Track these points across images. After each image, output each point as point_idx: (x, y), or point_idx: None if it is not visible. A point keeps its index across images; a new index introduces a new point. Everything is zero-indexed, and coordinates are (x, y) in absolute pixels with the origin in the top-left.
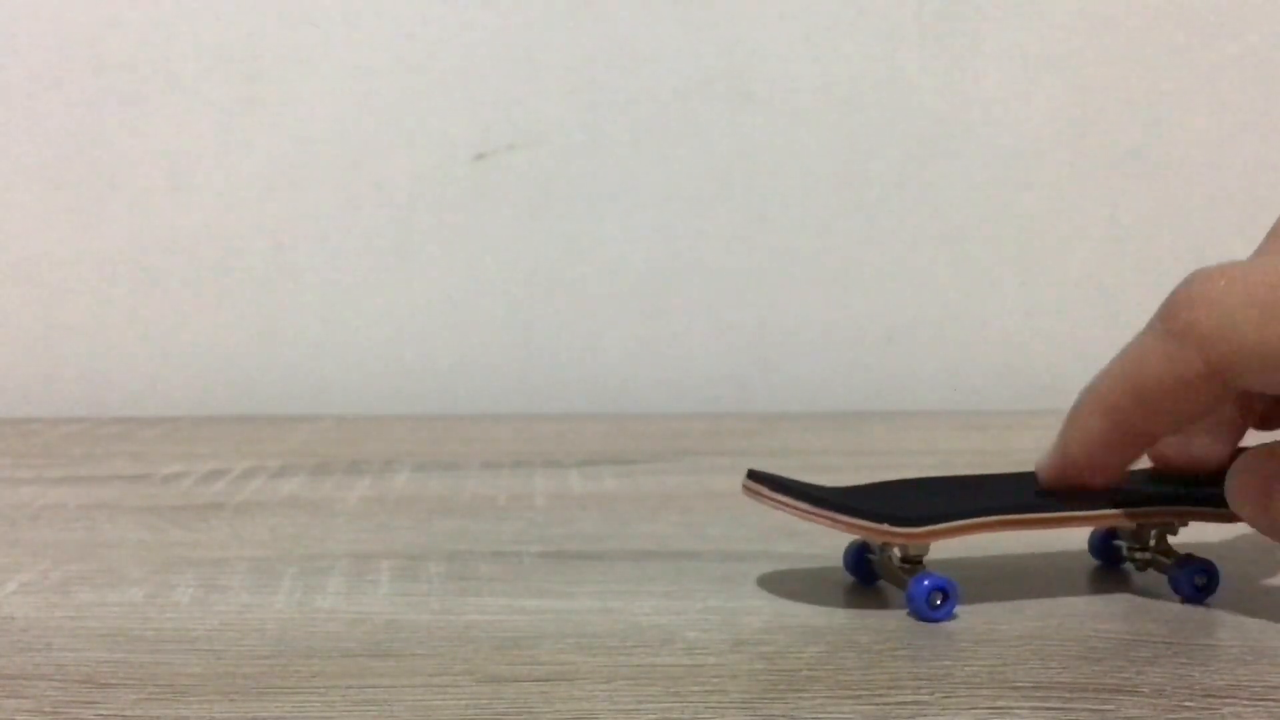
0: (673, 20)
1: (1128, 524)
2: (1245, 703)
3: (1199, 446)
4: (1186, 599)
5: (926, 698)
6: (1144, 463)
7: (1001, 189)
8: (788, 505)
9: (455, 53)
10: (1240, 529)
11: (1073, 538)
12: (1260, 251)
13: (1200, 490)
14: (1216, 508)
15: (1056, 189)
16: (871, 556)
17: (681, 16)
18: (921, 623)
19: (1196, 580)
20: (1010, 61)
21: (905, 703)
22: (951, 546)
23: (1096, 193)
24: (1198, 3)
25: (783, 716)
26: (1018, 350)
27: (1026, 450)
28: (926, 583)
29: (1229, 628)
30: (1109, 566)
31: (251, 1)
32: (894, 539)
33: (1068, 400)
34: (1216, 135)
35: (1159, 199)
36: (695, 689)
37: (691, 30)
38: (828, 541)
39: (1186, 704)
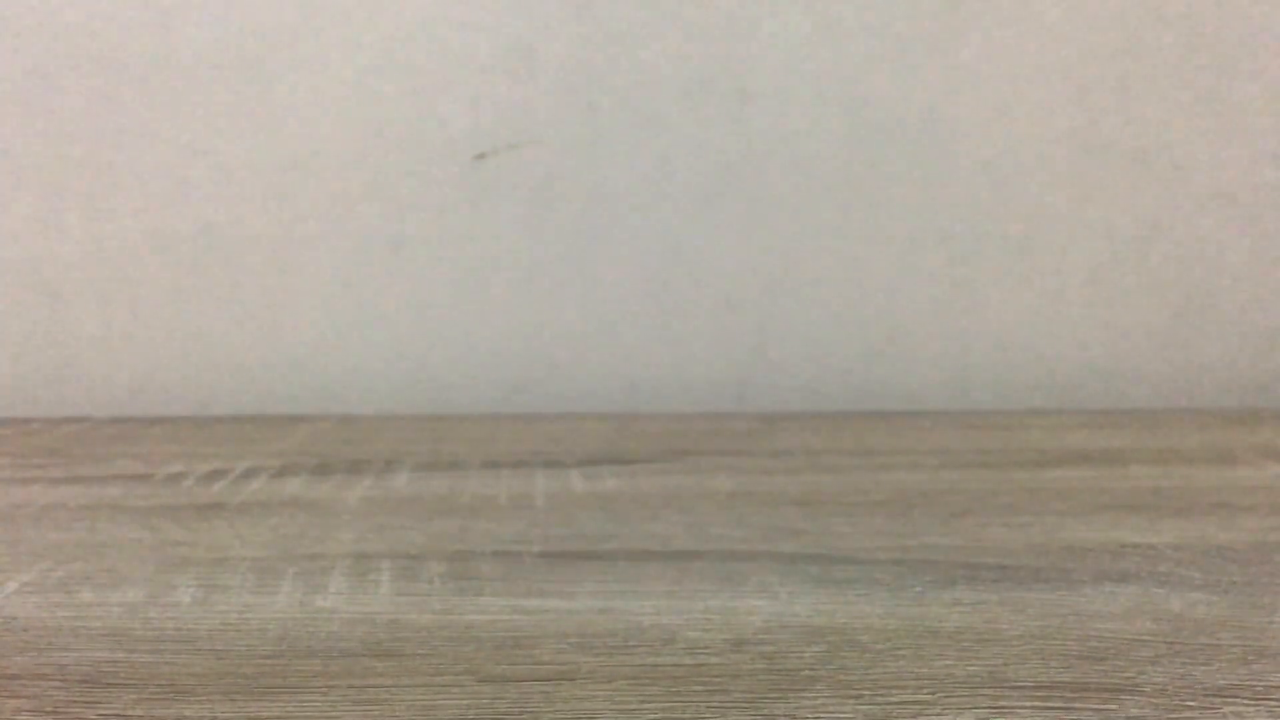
0: (672, 20)
1: None
2: (1246, 702)
3: None
4: None
5: (928, 697)
6: None
7: (1002, 189)
8: None
9: (455, 53)
10: (1242, 528)
11: (1074, 535)
12: None
13: None
14: None
15: (1057, 189)
16: None
17: (681, 16)
18: (923, 619)
19: None
20: (1011, 60)
21: (906, 702)
22: (949, 540)
23: (1097, 193)
24: (1199, 2)
25: (784, 716)
26: (1018, 350)
27: (1027, 450)
28: None
29: (1229, 628)
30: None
31: (252, 1)
32: None
33: (1067, 400)
34: (1216, 135)
35: (1159, 199)
36: (697, 689)
37: (691, 30)
38: (829, 542)
39: (1188, 703)
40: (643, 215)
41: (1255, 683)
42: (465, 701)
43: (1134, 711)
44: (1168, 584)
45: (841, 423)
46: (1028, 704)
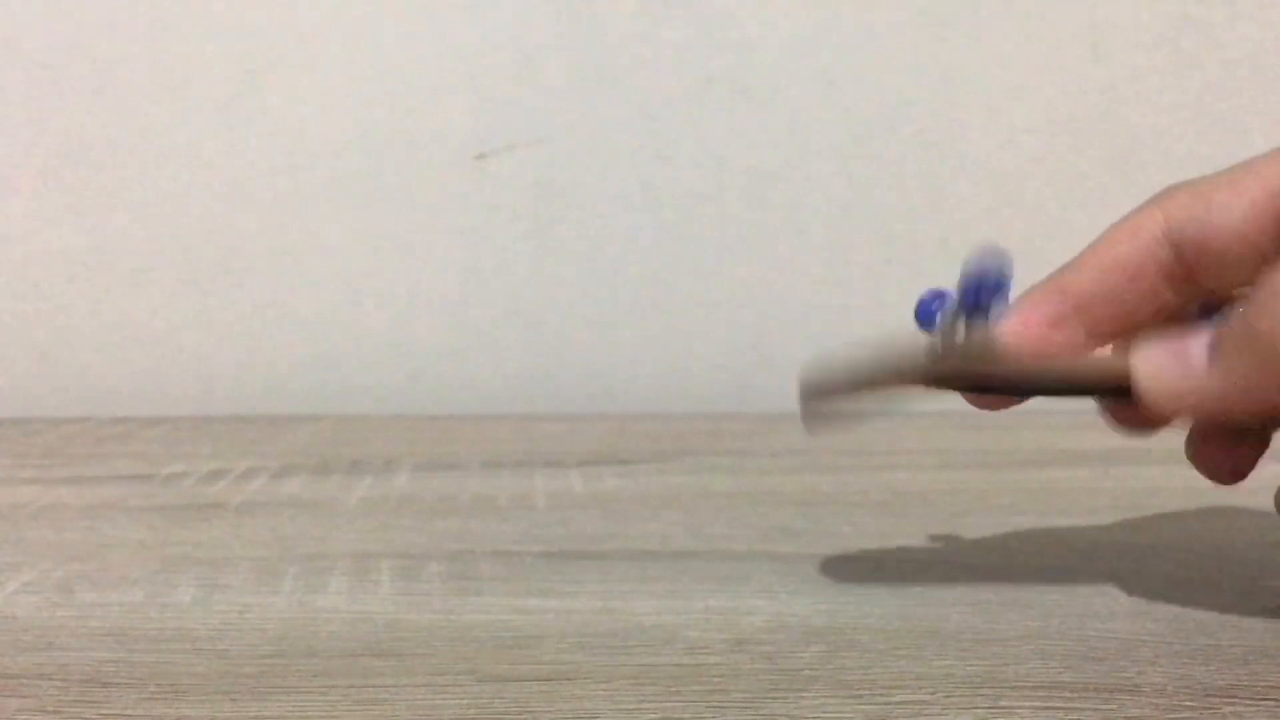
0: (672, 20)
1: None
2: (1246, 702)
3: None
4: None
5: (927, 697)
6: None
7: (1001, 188)
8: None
9: (455, 53)
10: (1242, 528)
11: (1074, 535)
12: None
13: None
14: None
15: (1056, 189)
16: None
17: (681, 16)
18: (923, 619)
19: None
20: (1010, 61)
21: (906, 702)
22: (949, 540)
23: (1096, 193)
24: (1195, 6)
25: (784, 716)
26: None
27: (1027, 450)
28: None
29: (1229, 628)
30: None
31: (252, 1)
32: None
33: (1067, 400)
34: (1214, 137)
35: None
36: (696, 689)
37: (691, 30)
38: (829, 542)
39: (1188, 703)
40: (642, 215)
41: (1255, 683)
42: (465, 701)
43: (1133, 711)
44: (1168, 584)
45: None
46: (1028, 704)
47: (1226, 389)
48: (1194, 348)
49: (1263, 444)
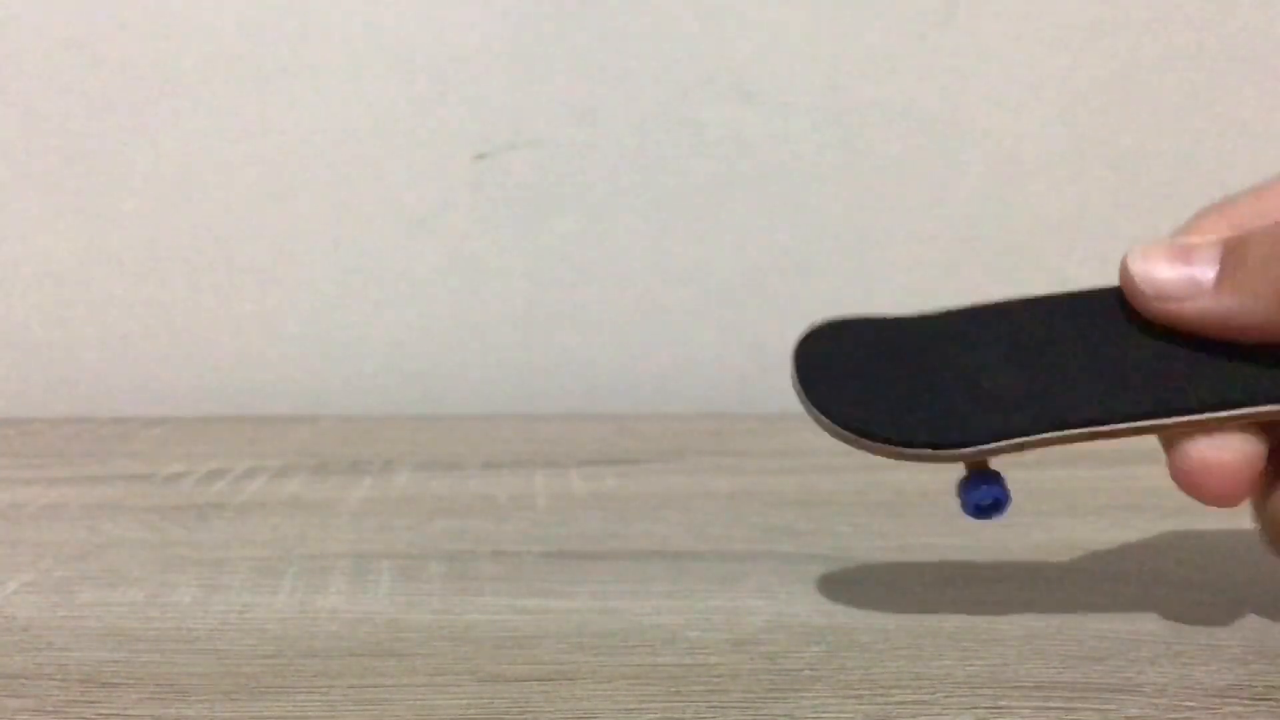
0: (672, 20)
1: None
2: (1245, 702)
3: None
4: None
5: (928, 697)
6: None
7: (1001, 188)
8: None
9: (455, 53)
10: (1241, 528)
11: (1074, 535)
12: None
13: None
14: None
15: (1057, 188)
16: None
17: (681, 16)
18: (923, 619)
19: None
20: (1011, 60)
21: (906, 702)
22: (949, 540)
23: (1097, 192)
24: (1198, 3)
25: (784, 716)
26: None
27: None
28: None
29: (1229, 628)
30: None
31: (252, 1)
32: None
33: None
34: (1218, 136)
35: (1159, 199)
36: (696, 689)
37: (691, 30)
38: (829, 542)
39: (1188, 704)
40: (642, 215)
41: (1254, 683)
42: (465, 701)
43: (1133, 711)
44: (1168, 584)
45: None
46: (1027, 704)
47: (1245, 306)
48: (1195, 263)
49: None
